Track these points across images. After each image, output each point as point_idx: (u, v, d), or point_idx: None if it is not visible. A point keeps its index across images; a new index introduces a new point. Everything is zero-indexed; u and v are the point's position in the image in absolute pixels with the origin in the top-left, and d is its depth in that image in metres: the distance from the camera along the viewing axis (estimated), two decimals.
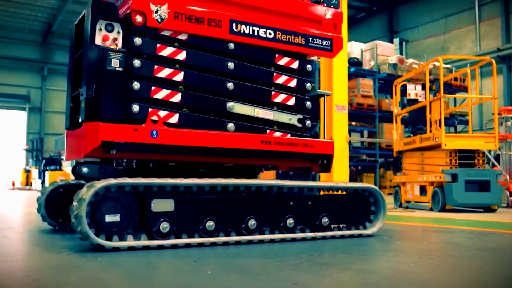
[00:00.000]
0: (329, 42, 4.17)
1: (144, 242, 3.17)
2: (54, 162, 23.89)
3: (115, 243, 3.10)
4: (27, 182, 26.32)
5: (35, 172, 24.73)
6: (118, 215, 3.20)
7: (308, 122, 4.12)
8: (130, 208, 3.27)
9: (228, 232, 3.53)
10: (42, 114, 30.29)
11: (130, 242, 3.15)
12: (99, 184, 3.03)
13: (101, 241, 3.05)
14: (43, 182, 22.20)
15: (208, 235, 3.39)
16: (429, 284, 2.27)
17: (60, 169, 23.11)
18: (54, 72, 30.46)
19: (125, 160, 3.55)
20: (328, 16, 4.18)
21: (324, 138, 4.33)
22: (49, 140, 29.96)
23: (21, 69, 29.53)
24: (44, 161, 24.10)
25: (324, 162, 4.15)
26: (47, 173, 21.33)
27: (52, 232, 4.32)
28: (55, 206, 4.46)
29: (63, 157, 24.37)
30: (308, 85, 4.16)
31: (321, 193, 4.16)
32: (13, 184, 26.60)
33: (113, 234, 3.19)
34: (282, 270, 2.56)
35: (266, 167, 4.24)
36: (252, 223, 3.54)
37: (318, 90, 4.27)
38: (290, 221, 3.70)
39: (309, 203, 3.85)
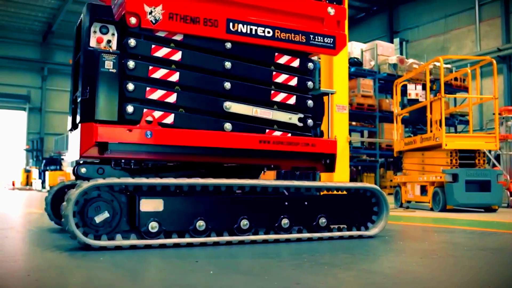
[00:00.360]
0: (332, 39, 4.09)
1: (136, 241, 3.21)
2: (54, 162, 23.91)
3: (117, 242, 3.15)
4: (27, 182, 26.35)
5: (35, 172, 24.75)
6: (106, 212, 3.24)
7: (309, 121, 4.07)
8: (119, 208, 3.31)
9: (219, 232, 3.51)
10: (42, 114, 30.31)
11: (133, 241, 3.19)
12: (74, 196, 3.07)
13: (92, 241, 3.10)
14: (43, 182, 22.21)
15: (198, 235, 3.40)
16: (432, 284, 2.27)
17: (60, 169, 23.14)
18: (54, 72, 30.48)
19: (123, 161, 3.57)
20: (331, 12, 4.10)
21: (329, 137, 4.24)
22: (49, 140, 29.98)
23: (21, 69, 29.55)
24: (44, 161, 24.13)
25: (327, 161, 4.08)
26: (47, 173, 21.34)
27: (53, 232, 4.32)
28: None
29: (63, 157, 24.48)
30: (310, 83, 4.10)
31: (322, 193, 4.13)
32: (13, 184, 26.63)
33: (107, 234, 3.24)
34: (284, 270, 2.56)
35: (268, 167, 4.20)
36: (244, 223, 3.51)
37: (322, 89, 4.22)
38: (285, 221, 3.66)
39: (305, 203, 3.79)
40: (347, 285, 2.20)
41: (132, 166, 3.66)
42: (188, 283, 2.23)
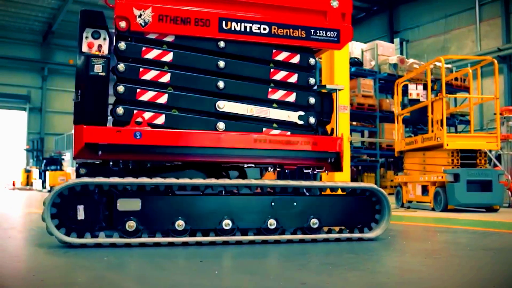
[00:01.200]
0: (335, 33, 3.95)
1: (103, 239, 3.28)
2: (55, 162, 23.88)
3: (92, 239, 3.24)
4: (28, 182, 26.32)
5: (35, 172, 24.73)
6: (82, 209, 3.32)
7: (311, 118, 3.94)
8: (100, 206, 3.36)
9: (203, 232, 3.50)
10: (42, 114, 30.27)
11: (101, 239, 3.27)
12: (47, 203, 3.18)
13: (72, 239, 3.17)
14: (43, 182, 22.19)
15: (177, 234, 3.40)
16: (436, 283, 2.28)
17: (61, 169, 23.12)
18: (55, 72, 30.45)
19: (121, 161, 3.61)
20: (334, 5, 3.95)
21: (336, 135, 4.09)
22: (50, 140, 29.95)
23: (22, 69, 29.51)
24: (44, 161, 24.09)
25: (332, 160, 3.94)
26: (47, 173, 21.34)
27: None
28: None
29: (64, 157, 24.44)
30: (312, 79, 3.98)
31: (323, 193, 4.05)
32: (13, 184, 26.60)
33: (85, 232, 3.31)
34: (289, 270, 2.56)
35: (274, 166, 4.13)
36: (226, 222, 3.47)
37: (328, 85, 4.09)
38: (271, 221, 3.58)
39: (295, 203, 3.68)
40: (352, 285, 2.20)
41: (130, 167, 3.69)
42: (195, 283, 2.23)
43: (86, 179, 3.27)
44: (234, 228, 3.52)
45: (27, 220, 6.03)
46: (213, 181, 3.49)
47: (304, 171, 4.18)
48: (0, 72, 28.85)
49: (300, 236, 3.63)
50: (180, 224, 3.39)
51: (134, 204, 3.36)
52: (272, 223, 3.59)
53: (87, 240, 3.23)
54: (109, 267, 2.65)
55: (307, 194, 3.85)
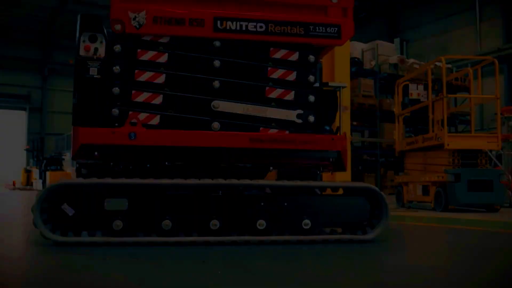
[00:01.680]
0: (336, 28, 3.84)
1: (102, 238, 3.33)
2: (55, 162, 23.90)
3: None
4: (28, 182, 26.33)
5: (35, 172, 24.74)
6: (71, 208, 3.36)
7: (310, 117, 3.85)
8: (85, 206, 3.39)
9: (187, 233, 3.49)
10: (42, 114, 30.27)
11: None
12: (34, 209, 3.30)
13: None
14: (44, 182, 22.21)
15: (164, 234, 3.39)
16: (437, 283, 2.28)
17: (61, 169, 23.12)
18: (55, 72, 30.44)
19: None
20: (334, 0, 3.86)
21: (339, 134, 4.02)
22: (50, 140, 29.94)
23: (22, 69, 29.49)
24: (44, 161, 24.11)
25: (333, 159, 3.84)
26: (47, 173, 21.34)
27: None
28: None
29: (64, 157, 24.44)
30: (311, 77, 3.90)
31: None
32: (14, 184, 26.62)
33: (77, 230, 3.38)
34: (291, 271, 2.56)
35: (276, 166, 4.09)
36: (215, 223, 3.43)
37: (331, 83, 4.02)
38: (261, 222, 3.49)
39: (285, 204, 3.59)
40: (355, 285, 2.20)
41: (131, 167, 3.70)
42: (199, 284, 2.23)
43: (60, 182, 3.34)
44: (222, 228, 3.47)
45: (29, 220, 6.02)
46: (180, 181, 3.43)
47: (312, 170, 4.13)
48: (0, 72, 28.84)
49: (297, 237, 3.56)
50: (166, 224, 3.38)
51: (120, 204, 3.36)
52: (261, 224, 3.49)
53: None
54: (111, 267, 2.65)
55: (321, 193, 3.82)
